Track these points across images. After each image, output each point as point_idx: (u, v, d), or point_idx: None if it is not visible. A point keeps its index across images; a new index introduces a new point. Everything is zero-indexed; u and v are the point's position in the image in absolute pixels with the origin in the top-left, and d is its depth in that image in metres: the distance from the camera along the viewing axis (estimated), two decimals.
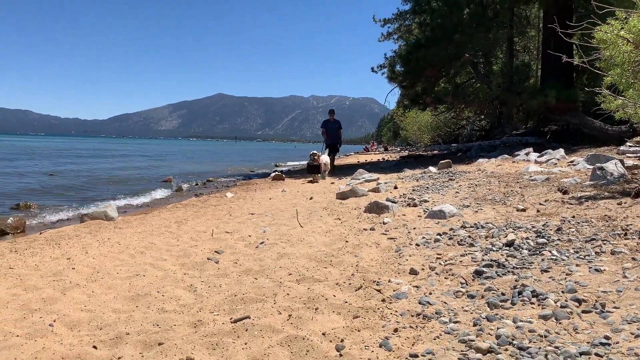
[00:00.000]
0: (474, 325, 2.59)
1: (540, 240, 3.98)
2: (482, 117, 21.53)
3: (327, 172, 13.84)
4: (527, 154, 12.15)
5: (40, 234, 6.61)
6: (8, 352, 2.62)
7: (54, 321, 3.07)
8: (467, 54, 17.09)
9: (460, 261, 3.76)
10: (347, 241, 4.84)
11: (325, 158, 13.83)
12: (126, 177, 18.84)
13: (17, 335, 2.87)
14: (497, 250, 3.91)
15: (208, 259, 4.53)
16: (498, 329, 2.47)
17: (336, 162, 28.98)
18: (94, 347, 2.66)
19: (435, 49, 16.46)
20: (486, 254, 3.83)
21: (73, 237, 6.13)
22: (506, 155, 12.80)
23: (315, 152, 13.62)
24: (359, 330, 2.69)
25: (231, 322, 2.85)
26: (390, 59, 21.47)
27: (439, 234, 4.67)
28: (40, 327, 2.97)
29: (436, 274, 3.58)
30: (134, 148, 71.69)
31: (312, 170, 13.43)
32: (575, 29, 6.28)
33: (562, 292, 2.87)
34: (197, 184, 16.01)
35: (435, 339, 2.47)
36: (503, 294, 2.97)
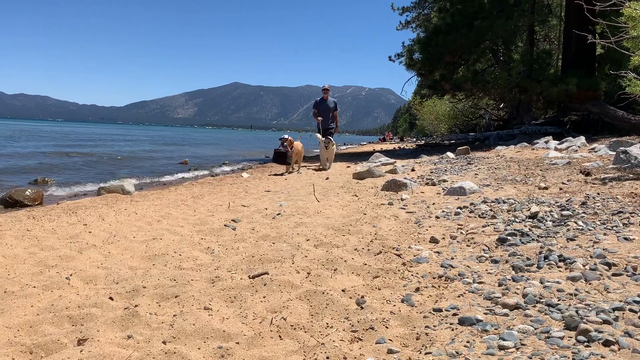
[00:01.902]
0: (499, 285, 2.51)
1: (565, 212, 3.88)
2: (501, 105, 21.22)
3: (329, 162, 11.59)
4: (546, 141, 11.94)
5: (58, 204, 6.64)
6: (25, 300, 2.61)
7: (71, 275, 3.05)
8: (487, 41, 16.83)
9: (483, 231, 3.67)
10: (364, 214, 4.77)
11: (299, 145, 11.03)
12: (143, 158, 18.92)
13: (34, 287, 2.86)
14: (520, 222, 3.81)
15: (225, 225, 4.49)
16: (525, 288, 2.39)
17: (351, 150, 28.60)
18: (110, 298, 2.63)
19: (455, 35, 16.20)
20: (509, 225, 3.73)
21: (90, 207, 6.13)
22: (525, 144, 12.59)
23: (286, 136, 10.84)
24: (379, 289, 2.63)
25: (249, 278, 2.81)
26: (408, 47, 21.23)
27: (460, 208, 4.57)
28: (57, 280, 2.95)
29: (457, 242, 3.49)
30: (151, 134, 72.20)
31: (279, 160, 10.82)
32: (598, 16, 6.13)
33: (590, 257, 2.77)
34: (213, 166, 16.03)
35: (459, 297, 2.40)
36: (528, 259, 2.88)
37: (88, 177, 11.75)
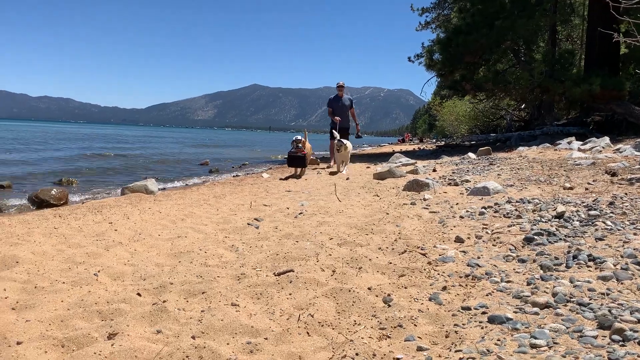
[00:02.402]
0: (528, 284, 2.47)
1: (592, 212, 3.82)
2: (523, 106, 20.97)
3: (345, 165, 10.56)
4: (569, 142, 11.76)
5: (83, 203, 6.74)
6: (55, 296, 2.65)
7: (98, 272, 3.09)
8: (509, 41, 16.67)
9: (508, 230, 3.63)
10: (387, 213, 4.75)
11: (309, 146, 10.45)
12: (165, 159, 19.11)
13: (63, 282, 2.90)
14: (546, 222, 3.76)
15: (248, 224, 4.52)
16: (554, 287, 2.36)
17: (370, 151, 28.51)
18: (138, 294, 2.66)
19: (476, 35, 16.08)
20: (535, 225, 3.69)
21: (114, 207, 6.21)
22: (547, 144, 12.42)
23: (300, 137, 9.99)
24: (405, 287, 2.61)
25: (275, 275, 2.81)
26: (428, 47, 21.14)
27: (484, 207, 4.53)
28: (85, 277, 2.99)
29: (483, 241, 3.46)
30: (172, 135, 72.97)
31: (296, 163, 9.94)
32: (623, 14, 6.02)
33: (621, 256, 2.73)
34: (233, 167, 16.13)
35: (487, 295, 2.38)
36: (557, 258, 2.84)
37: (111, 178, 11.91)
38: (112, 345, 1.96)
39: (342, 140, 10.21)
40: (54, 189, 7.71)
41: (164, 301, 2.48)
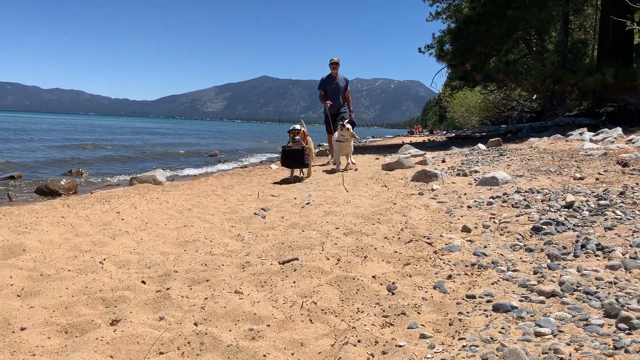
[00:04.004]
0: (535, 273, 2.44)
1: (602, 202, 3.76)
2: (534, 96, 20.77)
3: (349, 158, 8.88)
4: (581, 133, 11.63)
5: (91, 193, 6.77)
6: (60, 283, 2.66)
7: (104, 260, 3.10)
8: (520, 31, 16.48)
9: (516, 220, 3.58)
10: (394, 203, 4.72)
11: (310, 140, 8.15)
12: (174, 150, 19.18)
13: (69, 270, 2.92)
14: (555, 212, 3.71)
15: (255, 214, 4.51)
16: (561, 276, 2.32)
17: (379, 143, 28.32)
18: (143, 281, 2.66)
19: (487, 25, 15.91)
20: (543, 214, 3.64)
21: (122, 197, 6.23)
22: (559, 135, 12.28)
23: (298, 127, 7.93)
24: (410, 276, 2.59)
25: (279, 264, 2.80)
26: (439, 38, 20.99)
27: (492, 197, 4.49)
28: (91, 264, 3.00)
29: (490, 231, 3.42)
30: (182, 127, 73.32)
31: (292, 161, 7.56)
32: (638, 1, 5.90)
33: (630, 246, 2.68)
34: (242, 158, 16.16)
35: (493, 284, 2.35)
36: (564, 248, 2.80)
37: (121, 169, 11.98)
38: (114, 331, 1.96)
39: (342, 123, 8.45)
40: (64, 180, 7.76)
41: (168, 289, 2.48)
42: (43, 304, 2.33)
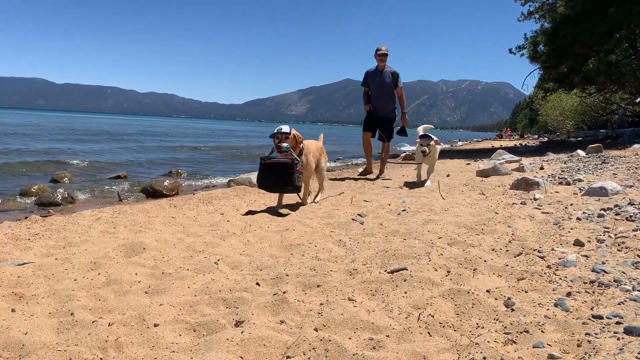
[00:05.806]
0: None
1: None
2: (638, 100, 19.38)
3: (429, 175, 7.58)
4: None
5: (193, 194, 7.13)
6: (182, 282, 2.82)
7: (218, 260, 3.26)
8: (624, 30, 15.44)
9: (634, 235, 3.37)
10: (496, 213, 4.59)
11: (313, 146, 6.05)
12: (264, 152, 19.74)
13: (187, 269, 3.10)
14: None
15: (352, 219, 4.56)
16: None
17: (467, 147, 27.54)
18: (257, 283, 2.78)
19: (586, 24, 15.06)
20: None
21: (222, 198, 6.51)
22: None
23: (286, 128, 5.38)
24: (526, 292, 2.51)
25: (388, 273, 2.82)
26: (532, 38, 20.14)
27: (603, 209, 4.24)
28: (207, 265, 3.17)
29: (606, 246, 3.24)
30: (268, 130, 75.35)
31: (267, 181, 5.28)
32: None
33: None
34: (328, 162, 16.35)
35: (619, 304, 2.23)
36: None
37: (216, 170, 12.51)
38: (241, 332, 2.06)
39: (428, 135, 7.32)
40: (167, 180, 8.23)
41: (284, 292, 2.57)
42: (171, 302, 2.49)
